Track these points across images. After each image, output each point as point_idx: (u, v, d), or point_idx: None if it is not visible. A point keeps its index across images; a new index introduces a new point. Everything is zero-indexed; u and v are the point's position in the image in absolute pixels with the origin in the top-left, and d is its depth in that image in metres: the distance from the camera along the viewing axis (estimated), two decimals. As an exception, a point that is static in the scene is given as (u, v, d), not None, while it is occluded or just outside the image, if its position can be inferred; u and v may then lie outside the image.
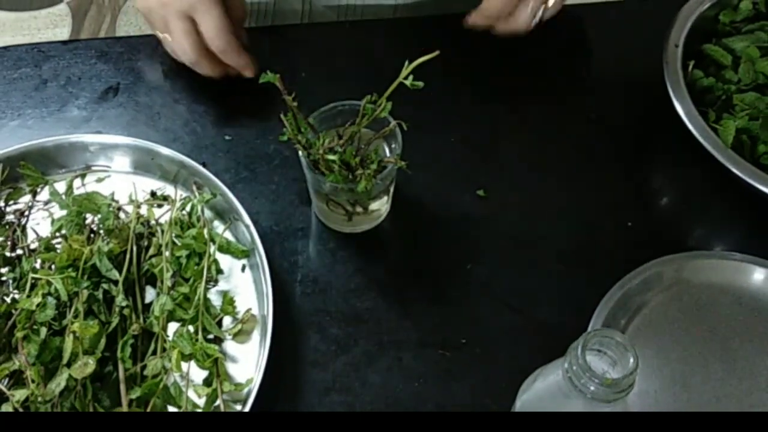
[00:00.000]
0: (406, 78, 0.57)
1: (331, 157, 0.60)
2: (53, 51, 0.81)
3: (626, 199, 0.72)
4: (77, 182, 0.70)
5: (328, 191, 0.64)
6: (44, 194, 0.70)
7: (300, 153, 0.62)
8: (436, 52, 0.56)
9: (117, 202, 0.69)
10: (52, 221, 0.67)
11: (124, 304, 0.61)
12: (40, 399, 0.57)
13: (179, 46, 0.72)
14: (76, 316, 0.59)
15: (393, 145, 0.64)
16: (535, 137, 0.76)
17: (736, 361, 0.62)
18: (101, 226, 0.66)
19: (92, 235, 0.66)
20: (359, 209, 0.66)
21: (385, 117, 0.60)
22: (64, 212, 0.67)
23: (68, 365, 0.57)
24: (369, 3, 0.89)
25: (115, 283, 0.62)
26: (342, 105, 0.65)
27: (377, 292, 0.66)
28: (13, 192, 0.70)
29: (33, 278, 0.61)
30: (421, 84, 0.57)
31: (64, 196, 0.68)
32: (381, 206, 0.68)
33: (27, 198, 0.70)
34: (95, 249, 0.62)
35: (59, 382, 0.56)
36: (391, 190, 0.67)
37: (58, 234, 0.66)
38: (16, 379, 0.59)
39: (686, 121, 0.68)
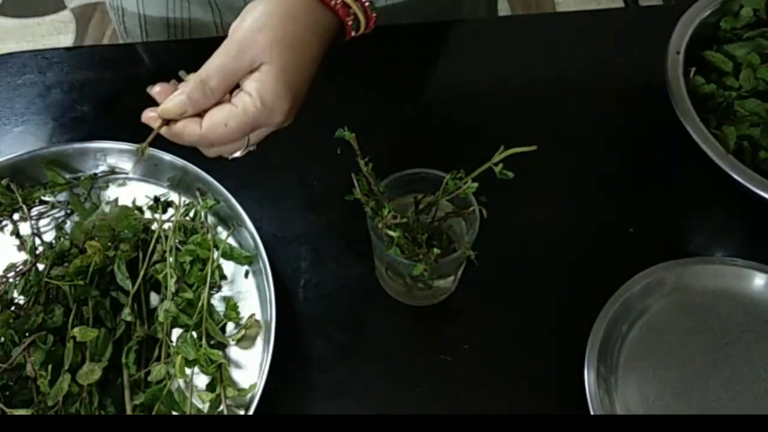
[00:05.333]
0: (496, 165, 0.54)
1: (391, 233, 0.56)
2: (57, 57, 0.81)
3: (628, 205, 0.72)
4: (80, 189, 0.71)
5: (387, 261, 0.60)
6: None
7: (368, 215, 0.58)
8: (533, 147, 0.54)
9: (142, 213, 0.69)
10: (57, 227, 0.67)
11: (129, 319, 0.60)
12: (42, 405, 0.57)
13: None
14: (82, 322, 0.60)
15: (470, 225, 0.60)
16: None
17: (737, 366, 0.62)
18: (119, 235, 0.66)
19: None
20: (420, 285, 0.62)
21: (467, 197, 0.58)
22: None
23: (69, 370, 0.58)
24: None
25: (124, 291, 0.62)
26: (419, 173, 0.61)
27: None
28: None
29: (46, 282, 0.62)
30: (511, 174, 0.55)
31: (87, 204, 0.69)
32: (446, 285, 0.65)
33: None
34: (111, 255, 0.63)
35: (61, 387, 0.57)
36: (459, 271, 0.64)
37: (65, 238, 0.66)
38: (21, 385, 0.59)
39: (688, 127, 0.68)
